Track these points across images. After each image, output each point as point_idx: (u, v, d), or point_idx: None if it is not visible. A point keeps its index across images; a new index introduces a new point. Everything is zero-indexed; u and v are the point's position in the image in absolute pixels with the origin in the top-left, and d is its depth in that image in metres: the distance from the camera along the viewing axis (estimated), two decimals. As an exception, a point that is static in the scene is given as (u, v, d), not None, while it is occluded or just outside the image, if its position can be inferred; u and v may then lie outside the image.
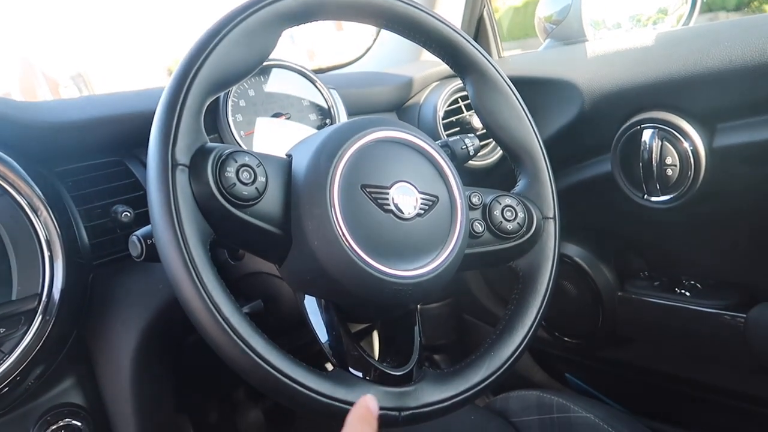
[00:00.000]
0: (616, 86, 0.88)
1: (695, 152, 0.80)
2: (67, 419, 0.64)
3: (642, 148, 0.84)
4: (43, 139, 0.68)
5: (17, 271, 0.59)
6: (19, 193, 0.59)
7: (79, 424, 0.64)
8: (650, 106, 0.85)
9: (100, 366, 0.69)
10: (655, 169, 0.83)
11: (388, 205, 0.52)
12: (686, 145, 0.81)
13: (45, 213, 0.60)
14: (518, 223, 0.63)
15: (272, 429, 1.39)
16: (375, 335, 0.65)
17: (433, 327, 1.41)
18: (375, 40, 1.26)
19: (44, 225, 0.60)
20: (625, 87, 0.87)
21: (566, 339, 1.11)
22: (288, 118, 0.79)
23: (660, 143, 0.82)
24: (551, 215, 0.66)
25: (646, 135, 0.84)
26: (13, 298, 0.58)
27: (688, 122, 0.81)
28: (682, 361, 1.01)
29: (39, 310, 0.59)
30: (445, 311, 1.42)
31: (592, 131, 0.94)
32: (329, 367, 0.54)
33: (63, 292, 0.60)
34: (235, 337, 0.46)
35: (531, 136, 0.67)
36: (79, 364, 0.69)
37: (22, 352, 0.58)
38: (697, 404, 1.03)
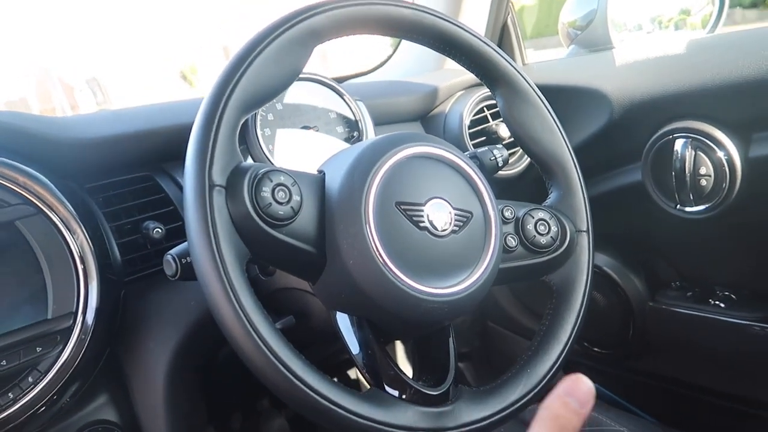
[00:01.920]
0: (646, 95, 0.87)
1: (730, 162, 0.79)
2: (101, 436, 0.64)
3: (674, 157, 0.83)
4: (73, 156, 0.68)
5: (52, 290, 0.59)
6: (53, 211, 0.59)
7: (113, 441, 0.64)
8: (682, 115, 0.83)
9: (133, 382, 0.69)
10: (688, 179, 0.82)
11: (423, 222, 0.52)
12: (721, 154, 0.79)
13: (80, 231, 0.60)
14: (552, 236, 0.62)
15: (295, 439, 1.39)
16: (405, 349, 0.64)
17: (457, 334, 1.38)
18: (397, 47, 1.26)
19: (78, 243, 0.60)
20: (656, 96, 0.85)
21: (595, 349, 1.09)
22: (316, 131, 0.78)
23: (693, 153, 0.81)
24: (585, 228, 0.65)
25: (679, 144, 0.82)
26: (49, 317, 0.58)
27: (722, 132, 0.79)
28: (715, 374, 0.99)
29: (74, 329, 0.59)
30: (469, 319, 1.41)
31: (622, 140, 0.93)
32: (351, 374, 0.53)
33: (98, 310, 0.60)
34: (274, 360, 0.46)
35: (563, 149, 0.66)
36: (112, 380, 0.69)
37: (58, 371, 0.58)
38: (731, 418, 1.01)
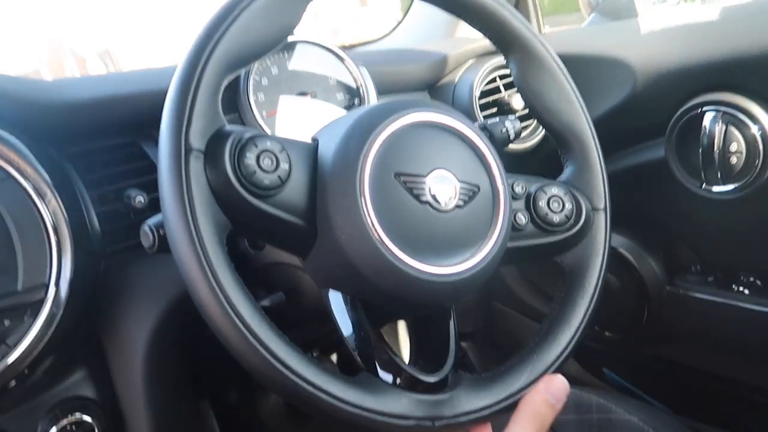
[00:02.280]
0: (674, 65, 0.81)
1: (765, 138, 0.73)
2: (77, 413, 0.61)
3: (702, 133, 0.77)
4: (53, 119, 0.64)
5: (23, 260, 0.55)
6: (25, 177, 0.56)
7: (89, 419, 0.61)
8: (713, 87, 0.77)
9: (112, 358, 0.66)
10: (716, 156, 0.76)
11: (425, 195, 0.48)
12: (754, 130, 0.74)
13: (52, 198, 0.57)
14: (566, 214, 0.58)
15: (292, 413, 1.38)
16: (401, 331, 0.60)
17: (461, 314, 1.36)
18: (406, 14, 1.20)
19: (52, 212, 0.56)
20: (685, 66, 0.80)
21: (607, 333, 1.06)
22: (314, 98, 0.74)
23: (723, 128, 0.75)
24: (602, 206, 0.61)
25: (707, 119, 0.77)
26: (19, 288, 0.55)
27: (757, 104, 0.74)
28: (734, 363, 0.95)
29: (46, 302, 0.56)
30: (473, 298, 1.38)
31: (645, 114, 0.88)
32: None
33: (72, 282, 0.57)
34: (253, 340, 0.42)
35: (581, 120, 0.62)
36: (90, 356, 0.66)
37: (28, 345, 0.55)
38: (748, 409, 0.97)
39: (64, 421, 0.60)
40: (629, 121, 0.90)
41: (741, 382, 0.95)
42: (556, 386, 0.44)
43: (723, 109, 0.75)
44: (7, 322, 0.54)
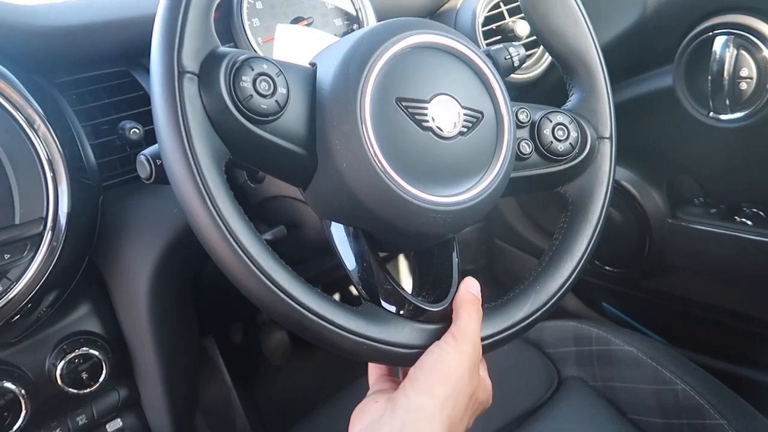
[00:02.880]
0: None
1: (777, 62, 0.71)
2: (84, 348, 0.61)
3: (712, 58, 0.74)
4: (40, 46, 0.62)
5: (19, 194, 0.54)
6: (13, 105, 0.54)
7: (96, 353, 0.62)
8: (725, 8, 0.74)
9: (115, 293, 0.66)
10: (726, 82, 0.74)
11: (427, 121, 0.46)
12: (767, 53, 0.71)
13: (44, 128, 0.54)
14: (570, 143, 0.57)
15: (297, 350, 1.40)
16: (403, 263, 0.60)
17: (462, 252, 1.36)
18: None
19: (44, 142, 0.54)
20: (698, -15, 0.76)
21: (607, 268, 1.06)
22: (310, 24, 0.71)
23: (735, 52, 0.72)
24: (607, 135, 0.60)
25: (718, 43, 0.74)
26: (17, 222, 0.54)
27: (771, 26, 0.70)
28: (734, 294, 0.95)
29: (45, 235, 0.55)
30: (475, 235, 1.38)
31: (653, 40, 0.84)
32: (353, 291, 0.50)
33: (69, 215, 0.55)
34: (256, 270, 0.41)
35: (588, 44, 0.59)
36: (94, 291, 0.66)
37: (30, 279, 0.55)
38: (746, 339, 0.99)
39: (71, 355, 0.61)
40: (637, 47, 0.86)
41: (741, 313, 0.96)
42: (471, 283, 0.52)
43: (735, 31, 0.72)
44: (7, 256, 0.53)
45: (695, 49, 0.77)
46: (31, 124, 0.54)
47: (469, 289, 0.52)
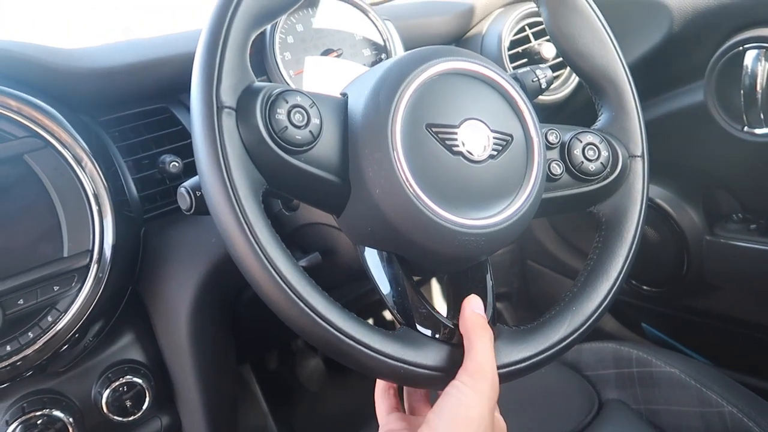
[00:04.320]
0: (713, 1, 0.77)
1: (812, 75, 0.70)
2: (128, 376, 0.63)
3: (744, 72, 0.73)
4: (85, 87, 0.65)
5: (67, 227, 0.57)
6: (63, 144, 0.57)
7: (139, 380, 0.63)
8: (756, 21, 0.73)
9: (157, 322, 0.68)
10: (759, 96, 0.73)
11: (457, 146, 0.47)
12: (800, 66, 0.70)
13: (90, 165, 0.57)
14: (602, 162, 0.57)
15: (331, 376, 1.40)
16: (435, 287, 0.60)
17: (495, 274, 1.35)
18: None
19: (91, 178, 0.57)
20: (724, 1, 0.76)
21: (645, 288, 1.04)
22: (340, 55, 0.72)
23: (767, 65, 0.72)
24: (639, 153, 0.59)
25: (749, 57, 0.73)
26: (65, 254, 0.57)
27: (804, 39, 0.70)
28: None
29: (92, 267, 0.57)
30: (508, 257, 1.37)
31: (682, 56, 0.84)
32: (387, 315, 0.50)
33: (114, 247, 0.58)
34: (294, 296, 0.42)
35: (616, 63, 0.60)
36: (136, 320, 0.68)
37: (78, 309, 0.57)
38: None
39: (116, 383, 0.62)
40: (666, 64, 0.86)
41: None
42: (476, 302, 0.49)
43: (766, 45, 0.72)
44: (56, 288, 0.56)
45: (726, 64, 0.76)
46: (78, 162, 0.57)
47: (475, 309, 0.49)
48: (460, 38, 0.94)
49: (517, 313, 1.39)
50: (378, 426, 0.86)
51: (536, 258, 1.33)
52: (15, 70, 0.59)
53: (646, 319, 1.14)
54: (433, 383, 0.47)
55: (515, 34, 0.90)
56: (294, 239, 0.68)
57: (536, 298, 1.39)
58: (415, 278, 0.54)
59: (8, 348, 0.54)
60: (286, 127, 0.44)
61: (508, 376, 0.49)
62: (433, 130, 0.46)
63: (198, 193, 0.51)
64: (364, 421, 0.87)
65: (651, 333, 1.14)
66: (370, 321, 1.27)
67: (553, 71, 0.74)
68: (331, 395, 1.40)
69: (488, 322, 0.51)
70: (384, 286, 0.52)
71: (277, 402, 1.29)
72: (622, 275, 0.56)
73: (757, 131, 0.75)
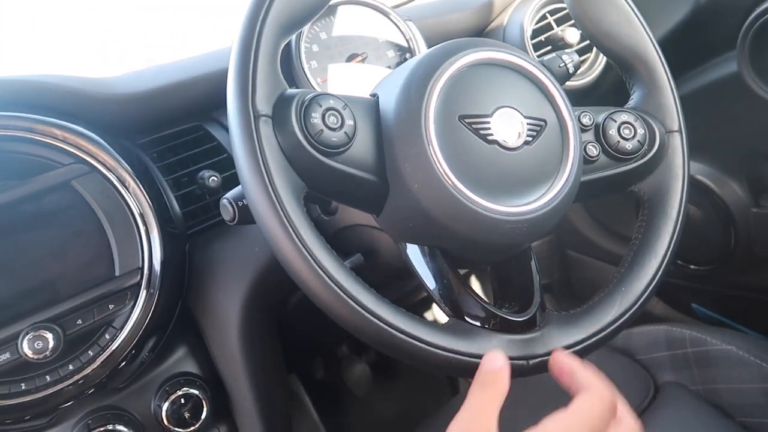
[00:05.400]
0: None
1: None
2: (184, 388, 0.65)
3: (777, 38, 0.72)
4: (121, 112, 0.67)
5: (117, 247, 0.59)
6: (108, 168, 0.59)
7: (196, 392, 0.65)
8: (786, -16, 0.72)
9: (208, 334, 0.70)
10: (796, 60, 0.71)
11: (492, 135, 0.47)
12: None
13: (135, 186, 0.60)
14: (638, 140, 0.56)
15: (379, 380, 1.41)
16: (480, 278, 0.60)
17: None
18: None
19: (136, 198, 0.59)
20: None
21: (692, 266, 1.02)
22: (364, 59, 0.73)
23: (801, 28, 0.70)
24: (676, 128, 0.58)
25: (783, 21, 0.71)
26: (117, 273, 0.59)
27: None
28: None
29: (143, 284, 0.59)
30: (546, 248, 1.36)
31: (712, 27, 0.82)
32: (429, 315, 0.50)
33: (163, 263, 0.60)
34: (344, 295, 0.43)
35: (644, 40, 0.59)
36: (188, 333, 0.70)
37: (133, 326, 0.59)
38: None
39: (174, 396, 0.64)
40: (696, 36, 0.84)
41: None
42: (497, 358, 0.44)
43: (800, 8, 0.70)
44: (111, 307, 0.58)
45: (759, 30, 0.74)
46: (123, 183, 0.59)
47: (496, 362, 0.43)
48: (482, 32, 0.94)
49: (561, 304, 1.37)
50: (429, 424, 0.86)
51: (575, 247, 1.31)
52: (54, 101, 0.62)
53: (696, 299, 1.12)
54: None
55: (537, 23, 0.89)
56: (334, 243, 0.68)
57: (579, 287, 1.37)
58: (461, 272, 0.54)
59: (71, 367, 0.57)
60: (322, 131, 0.45)
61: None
62: (467, 121, 0.47)
63: (240, 203, 0.52)
64: (413, 424, 0.87)
65: (702, 313, 1.12)
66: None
67: (579, 56, 0.74)
68: (379, 400, 1.41)
69: (537, 308, 0.51)
70: (429, 281, 0.53)
71: (327, 410, 1.29)
72: (669, 252, 0.55)
73: (796, 96, 0.74)
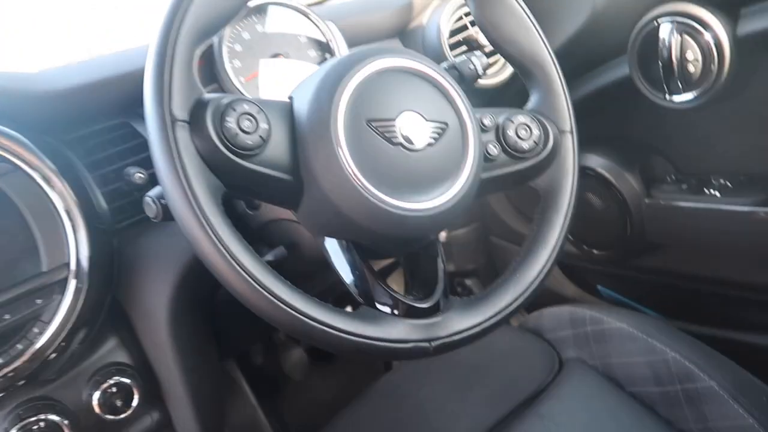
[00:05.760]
0: None
1: (718, 43, 0.76)
2: (116, 377, 0.66)
3: (660, 45, 0.79)
4: (46, 109, 0.67)
5: (43, 244, 0.60)
6: (31, 166, 0.59)
7: (128, 381, 0.67)
8: (668, -3, 0.79)
9: (138, 325, 0.71)
10: (675, 66, 0.79)
11: (396, 137, 0.51)
12: (708, 36, 0.76)
13: (59, 183, 0.60)
14: (534, 140, 0.61)
15: (316, 365, 1.45)
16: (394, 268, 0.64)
17: (462, 252, 1.41)
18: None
19: (60, 195, 0.60)
20: (640, -21, 0.81)
21: (595, 251, 1.10)
22: (287, 58, 0.76)
23: (680, 38, 0.78)
24: (568, 128, 0.64)
25: (665, 30, 0.79)
26: (44, 269, 0.60)
27: (709, 11, 0.76)
28: (715, 263, 0.99)
29: (70, 279, 0.60)
30: (473, 236, 1.42)
31: (606, 33, 0.89)
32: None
33: (91, 258, 0.61)
34: (258, 287, 0.46)
35: (540, 47, 0.64)
36: (119, 325, 0.71)
37: (61, 319, 0.60)
38: (735, 305, 1.02)
39: (105, 385, 0.66)
40: (592, 42, 0.91)
41: (722, 279, 1.00)
42: None
43: (678, 19, 0.77)
44: (39, 301, 0.59)
45: (645, 38, 0.82)
46: (47, 181, 0.60)
47: None
48: (403, 31, 0.98)
49: (486, 287, 1.44)
50: (362, 400, 0.90)
51: (499, 234, 1.38)
52: None
53: (601, 281, 1.21)
54: (393, 355, 0.51)
55: (455, 23, 0.94)
56: (261, 236, 0.71)
57: (503, 272, 1.44)
58: (375, 262, 0.58)
59: (0, 360, 0.58)
60: (237, 134, 0.48)
61: (461, 342, 0.54)
62: (373, 124, 0.50)
63: (163, 201, 0.54)
64: (348, 404, 0.92)
65: (606, 293, 1.21)
66: (348, 308, 1.32)
67: (489, 57, 0.79)
68: (316, 383, 1.44)
69: (440, 295, 0.56)
70: (345, 272, 0.56)
71: (265, 394, 1.32)
72: (559, 240, 0.61)
73: (676, 99, 0.81)
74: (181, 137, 0.47)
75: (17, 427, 0.61)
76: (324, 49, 0.79)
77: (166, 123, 0.46)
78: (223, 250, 0.46)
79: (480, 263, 1.45)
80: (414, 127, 0.52)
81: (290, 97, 0.54)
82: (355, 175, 0.49)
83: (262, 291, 0.47)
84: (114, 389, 0.67)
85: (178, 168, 0.46)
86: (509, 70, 0.97)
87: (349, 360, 1.42)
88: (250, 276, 0.46)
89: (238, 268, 0.46)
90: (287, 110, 0.52)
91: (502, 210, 1.32)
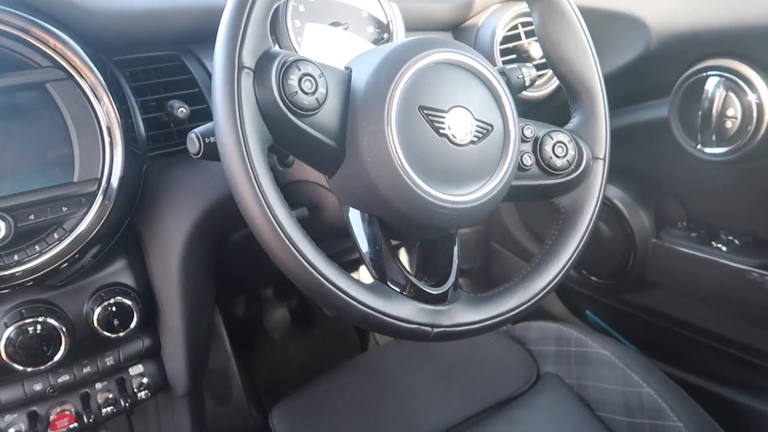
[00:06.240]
0: (687, 27, 0.84)
1: (760, 106, 0.78)
2: (118, 297, 0.68)
3: (704, 96, 0.81)
4: (104, 26, 0.68)
5: (79, 155, 0.61)
6: (84, 78, 0.60)
7: (129, 302, 0.68)
8: (720, 52, 0.81)
9: (151, 251, 0.73)
10: (714, 119, 0.81)
11: (444, 129, 0.53)
12: (752, 97, 0.78)
13: (106, 99, 0.61)
14: (567, 160, 0.63)
15: (296, 327, 1.47)
16: (403, 253, 0.64)
17: (461, 251, 1.42)
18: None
19: (106, 112, 0.61)
20: (698, 29, 0.83)
21: (593, 278, 1.12)
22: (346, 29, 0.77)
23: (724, 93, 0.79)
24: (602, 156, 0.66)
25: (711, 83, 0.81)
26: (75, 179, 0.61)
27: (758, 74, 0.77)
28: (706, 313, 1.02)
29: (99, 194, 0.62)
30: (474, 237, 1.44)
31: (654, 73, 0.91)
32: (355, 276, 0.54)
33: (122, 179, 0.62)
34: (287, 240, 0.48)
35: (592, 72, 0.65)
36: (131, 248, 0.73)
37: (83, 231, 0.61)
38: (713, 356, 1.05)
39: (107, 303, 0.67)
40: (639, 79, 0.93)
41: (710, 331, 1.03)
42: None
43: (726, 74, 0.79)
44: (65, 209, 0.60)
45: (691, 86, 0.84)
46: (97, 96, 0.61)
47: None
48: (457, 27, 0.99)
49: (476, 289, 1.47)
50: (334, 373, 0.92)
51: (500, 240, 1.41)
52: (40, 3, 0.62)
53: (591, 307, 1.24)
54: (396, 332, 0.53)
55: (508, 31, 0.95)
56: (285, 193, 0.72)
57: (495, 277, 1.47)
58: (393, 242, 0.60)
59: (15, 257, 0.59)
60: (296, 92, 0.49)
61: (460, 335, 0.56)
62: (425, 112, 0.52)
63: (207, 140, 0.56)
64: (317, 373, 0.95)
65: (593, 320, 1.24)
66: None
67: (538, 70, 0.80)
68: (292, 345, 1.46)
69: (451, 286, 0.58)
70: (363, 244, 0.58)
71: (241, 345, 1.35)
72: (571, 261, 0.63)
73: (707, 150, 0.83)
74: (244, 84, 0.48)
75: (16, 324, 0.62)
76: (383, 28, 0.80)
77: (234, 67, 0.48)
78: (261, 198, 0.48)
79: (476, 264, 1.47)
80: (462, 123, 0.53)
81: (348, 68, 0.56)
82: (397, 155, 0.50)
83: (289, 245, 0.48)
84: (114, 308, 0.68)
85: (236, 113, 0.47)
86: (552, 86, 0.98)
87: (328, 330, 1.45)
88: (281, 228, 0.48)
89: (272, 217, 0.48)
90: (346, 80, 0.54)
91: (509, 219, 1.34)
